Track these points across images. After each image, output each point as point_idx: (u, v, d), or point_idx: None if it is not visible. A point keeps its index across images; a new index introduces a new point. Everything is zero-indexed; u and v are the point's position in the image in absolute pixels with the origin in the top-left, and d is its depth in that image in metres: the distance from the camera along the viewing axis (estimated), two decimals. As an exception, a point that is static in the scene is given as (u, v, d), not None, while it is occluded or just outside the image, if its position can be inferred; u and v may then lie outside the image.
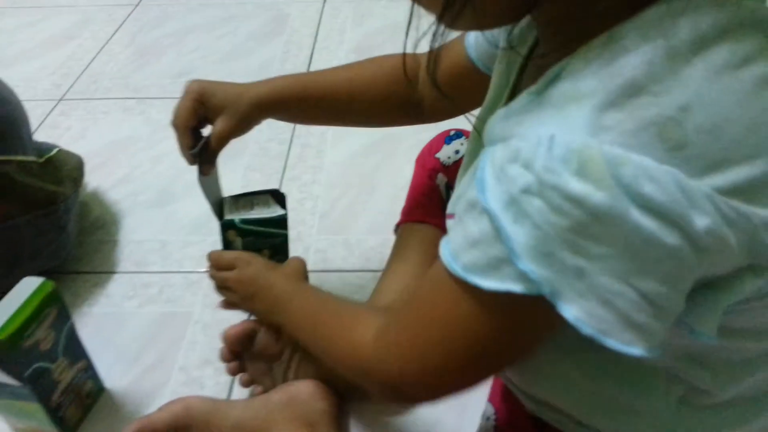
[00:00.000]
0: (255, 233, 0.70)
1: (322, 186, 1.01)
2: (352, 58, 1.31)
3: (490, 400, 0.55)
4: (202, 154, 0.68)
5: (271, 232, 0.71)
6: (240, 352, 0.69)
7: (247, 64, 1.32)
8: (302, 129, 1.13)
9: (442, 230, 0.44)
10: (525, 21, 0.46)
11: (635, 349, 0.32)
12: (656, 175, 0.29)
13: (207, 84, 0.65)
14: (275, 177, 1.02)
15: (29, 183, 0.79)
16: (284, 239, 0.72)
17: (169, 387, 0.72)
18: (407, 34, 0.38)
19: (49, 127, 1.15)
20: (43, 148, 0.87)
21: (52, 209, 0.81)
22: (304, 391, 0.64)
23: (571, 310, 0.31)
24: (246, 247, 0.71)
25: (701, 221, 0.30)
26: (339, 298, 0.58)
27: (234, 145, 1.12)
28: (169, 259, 0.89)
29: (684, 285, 0.33)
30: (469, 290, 0.35)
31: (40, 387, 0.63)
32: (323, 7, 1.52)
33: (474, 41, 0.60)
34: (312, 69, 1.30)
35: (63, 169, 0.87)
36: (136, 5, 1.56)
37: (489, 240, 0.33)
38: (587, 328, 0.32)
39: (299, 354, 0.67)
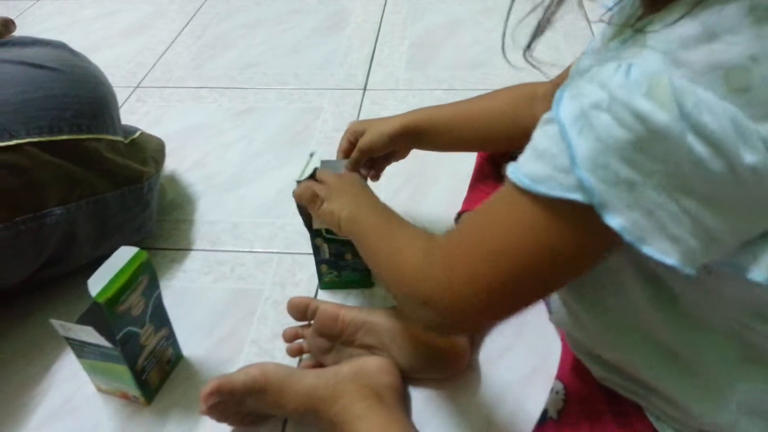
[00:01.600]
0: (338, 241, 0.78)
1: (385, 175, 1.04)
2: (414, 53, 1.35)
3: (559, 377, 0.57)
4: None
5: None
6: (302, 333, 0.74)
7: (312, 57, 1.36)
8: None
9: None
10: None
11: (669, 259, 0.35)
12: (715, 109, 0.33)
13: (359, 124, 0.79)
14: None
15: (117, 161, 0.84)
16: None
17: (242, 358, 0.77)
18: (509, 13, 0.41)
19: (127, 113, 1.22)
20: (127, 130, 0.93)
21: (137, 186, 0.86)
22: (372, 365, 0.68)
23: (616, 220, 0.35)
24: (331, 251, 0.80)
25: (749, 157, 0.33)
26: (395, 217, 0.60)
27: (300, 134, 1.17)
28: (240, 239, 0.94)
29: (724, 211, 0.35)
30: (527, 197, 0.38)
31: (128, 350, 0.68)
32: (385, 2, 1.56)
33: None
34: (375, 63, 1.33)
35: (146, 150, 0.93)
36: (206, -1, 1.63)
37: (553, 151, 0.37)
38: (629, 236, 0.35)
39: (360, 333, 0.70)
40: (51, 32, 1.50)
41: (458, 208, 0.84)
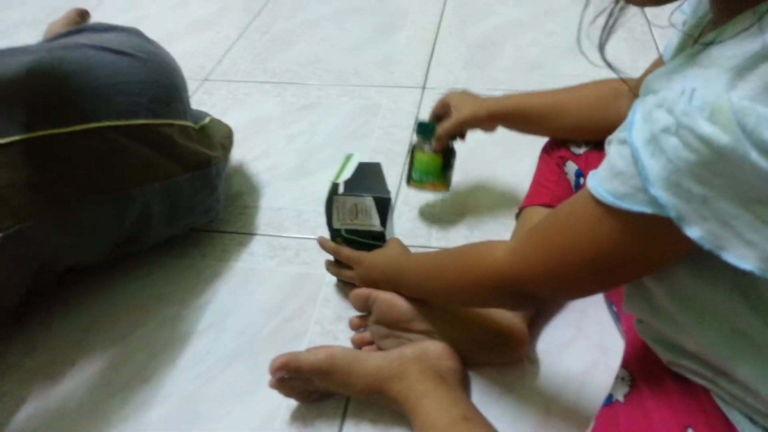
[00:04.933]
0: (356, 242, 0.82)
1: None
2: (473, 54, 1.37)
3: (624, 365, 0.58)
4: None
5: (369, 243, 0.81)
6: (365, 323, 0.77)
7: (373, 56, 1.39)
8: (425, 117, 1.19)
9: None
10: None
11: (747, 264, 0.38)
12: None
13: (455, 95, 0.90)
14: (398, 160, 1.08)
15: (188, 146, 0.87)
16: (382, 241, 0.81)
17: (307, 337, 0.80)
18: (585, 8, 0.44)
19: (195, 104, 1.25)
20: (197, 116, 0.97)
21: (206, 171, 0.89)
22: (433, 349, 0.70)
23: (695, 231, 0.38)
24: (349, 246, 0.83)
25: None
26: (447, 249, 0.70)
27: (360, 129, 1.20)
28: (303, 226, 0.97)
29: None
30: (607, 210, 0.43)
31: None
32: (444, 3, 1.58)
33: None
34: (434, 62, 1.36)
35: (215, 137, 0.97)
36: (270, -3, 1.68)
37: (629, 171, 0.40)
38: (708, 245, 0.38)
39: (416, 319, 0.72)
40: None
41: (519, 203, 0.85)
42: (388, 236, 0.82)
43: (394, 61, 1.37)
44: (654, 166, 0.38)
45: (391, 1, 1.62)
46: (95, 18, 1.38)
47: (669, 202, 0.38)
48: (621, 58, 1.26)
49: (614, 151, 0.42)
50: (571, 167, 0.80)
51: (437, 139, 0.88)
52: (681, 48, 0.55)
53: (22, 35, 1.58)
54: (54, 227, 0.72)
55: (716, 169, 0.36)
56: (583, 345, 0.76)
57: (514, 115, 0.84)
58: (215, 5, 1.66)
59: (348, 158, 0.85)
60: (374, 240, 0.81)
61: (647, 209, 0.40)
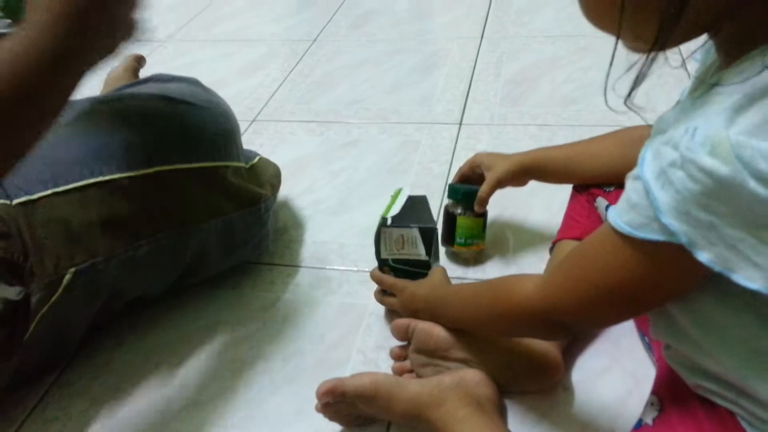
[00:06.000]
0: (403, 271, 0.87)
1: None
2: (508, 90, 1.41)
3: (654, 392, 0.60)
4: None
5: (415, 271, 0.86)
6: (406, 353, 0.81)
7: (411, 94, 1.46)
8: (461, 152, 1.24)
9: None
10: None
11: (754, 284, 0.41)
12: None
13: (483, 156, 0.96)
14: (437, 195, 1.13)
15: (240, 185, 0.94)
16: (427, 269, 0.86)
17: (350, 365, 0.85)
18: (611, 64, 0.47)
19: (246, 144, 1.33)
20: (248, 156, 1.04)
21: (256, 208, 0.95)
22: (471, 377, 0.73)
23: (704, 255, 0.42)
24: (396, 276, 0.87)
25: None
26: (483, 281, 0.75)
27: (399, 165, 1.26)
28: (346, 258, 1.02)
29: None
30: (627, 240, 0.47)
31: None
32: (480, 42, 1.64)
33: None
34: (470, 99, 1.41)
35: (264, 175, 1.04)
36: (314, 41, 1.77)
37: (643, 203, 0.44)
38: (717, 267, 0.42)
39: (454, 348, 0.76)
40: (176, 71, 1.67)
41: (552, 238, 0.89)
42: (433, 264, 0.86)
43: (432, 99, 1.43)
44: (664, 197, 0.42)
45: (431, 42, 1.69)
46: (150, 63, 1.50)
47: (679, 229, 0.42)
48: (656, 95, 1.29)
49: (630, 186, 0.47)
50: (602, 202, 0.83)
51: (480, 202, 0.93)
52: (692, 92, 0.59)
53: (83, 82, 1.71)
54: (122, 262, 0.80)
55: (719, 198, 0.40)
56: (618, 374, 0.78)
57: (545, 169, 0.91)
58: (262, 50, 1.76)
59: (398, 192, 0.91)
60: (420, 268, 0.86)
61: (661, 237, 0.44)
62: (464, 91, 1.44)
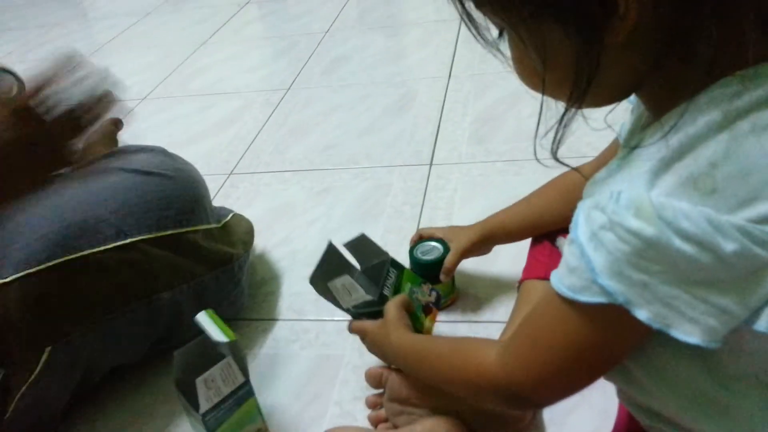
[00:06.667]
0: (367, 314, 0.87)
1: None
2: (476, 128, 1.45)
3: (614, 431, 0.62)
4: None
5: (375, 310, 0.85)
6: (380, 401, 0.82)
7: (382, 137, 1.49)
8: (432, 193, 1.27)
9: None
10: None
11: (693, 339, 0.43)
12: (691, 215, 0.41)
13: (437, 230, 1.01)
14: (409, 237, 1.15)
15: (211, 247, 0.96)
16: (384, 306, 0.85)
17: (327, 418, 0.86)
18: (538, 123, 0.50)
19: (222, 198, 1.38)
20: (220, 213, 1.07)
21: (229, 267, 0.98)
22: (443, 426, 0.75)
23: (643, 313, 0.43)
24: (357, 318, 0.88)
25: (729, 246, 0.40)
26: (439, 338, 0.79)
27: (372, 209, 1.28)
28: (322, 309, 1.04)
29: (727, 290, 0.42)
30: (571, 305, 0.47)
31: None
32: (448, 82, 1.68)
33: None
34: (439, 139, 1.44)
35: (237, 233, 1.06)
36: (288, 89, 1.81)
37: (581, 266, 0.46)
38: (656, 325, 0.43)
39: (426, 396, 0.77)
40: (154, 128, 1.72)
41: (518, 277, 0.91)
42: (390, 297, 0.86)
43: (402, 141, 1.46)
44: (598, 259, 0.44)
45: (400, 84, 1.73)
46: (129, 123, 1.53)
47: (616, 289, 0.44)
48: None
49: (566, 250, 0.48)
50: (562, 242, 0.86)
51: (446, 272, 0.95)
52: (629, 135, 0.61)
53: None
54: (98, 335, 0.82)
55: (649, 257, 0.42)
56: (587, 412, 0.79)
57: (506, 230, 0.95)
58: (238, 103, 1.80)
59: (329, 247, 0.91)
60: (380, 305, 0.85)
61: (602, 299, 0.45)
62: (433, 132, 1.48)
